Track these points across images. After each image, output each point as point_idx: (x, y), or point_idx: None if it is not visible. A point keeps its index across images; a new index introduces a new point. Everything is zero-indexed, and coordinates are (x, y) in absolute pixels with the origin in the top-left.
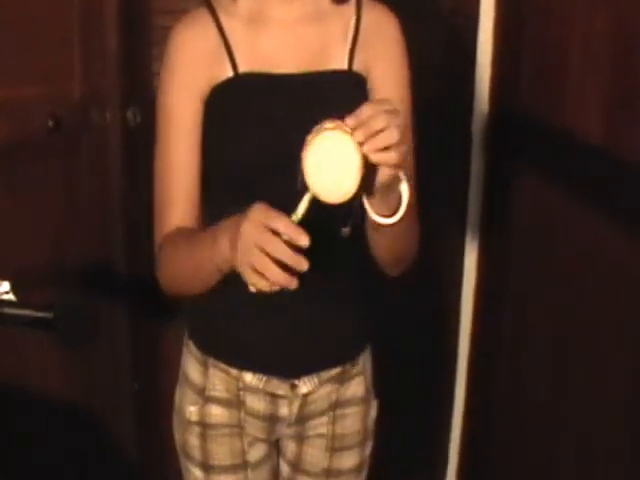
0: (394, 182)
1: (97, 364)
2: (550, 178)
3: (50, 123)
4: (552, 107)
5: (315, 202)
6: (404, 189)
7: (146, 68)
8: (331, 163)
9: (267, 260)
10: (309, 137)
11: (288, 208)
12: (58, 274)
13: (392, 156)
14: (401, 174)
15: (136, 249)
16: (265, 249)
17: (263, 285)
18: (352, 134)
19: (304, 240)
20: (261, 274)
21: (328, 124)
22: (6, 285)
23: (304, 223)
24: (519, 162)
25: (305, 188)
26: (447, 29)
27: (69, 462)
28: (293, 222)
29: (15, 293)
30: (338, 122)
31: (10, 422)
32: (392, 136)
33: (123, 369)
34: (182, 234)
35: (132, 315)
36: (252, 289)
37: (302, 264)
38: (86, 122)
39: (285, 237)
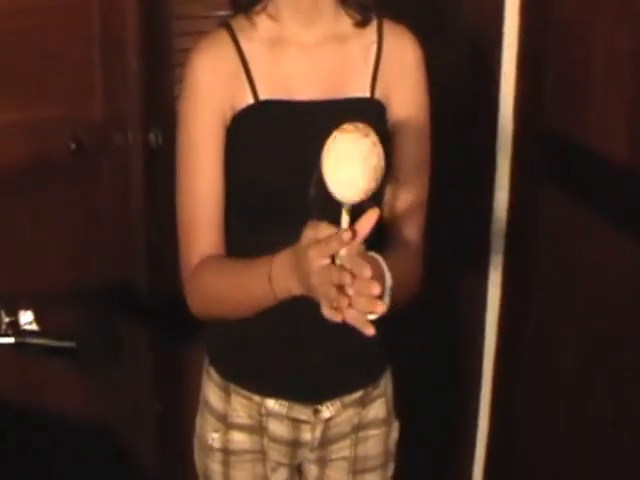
0: None
1: (119, 386)
2: (574, 197)
3: (72, 145)
4: (576, 126)
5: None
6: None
7: (167, 90)
8: (348, 162)
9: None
10: (330, 138)
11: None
12: (80, 296)
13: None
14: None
15: (158, 270)
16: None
17: (339, 318)
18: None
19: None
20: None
21: (347, 126)
22: (29, 315)
23: None
24: (543, 182)
25: (318, 189)
26: (470, 49)
27: None
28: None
29: (38, 322)
30: (357, 124)
31: (31, 443)
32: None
33: (145, 390)
34: (221, 264)
35: (154, 336)
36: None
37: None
38: (108, 144)
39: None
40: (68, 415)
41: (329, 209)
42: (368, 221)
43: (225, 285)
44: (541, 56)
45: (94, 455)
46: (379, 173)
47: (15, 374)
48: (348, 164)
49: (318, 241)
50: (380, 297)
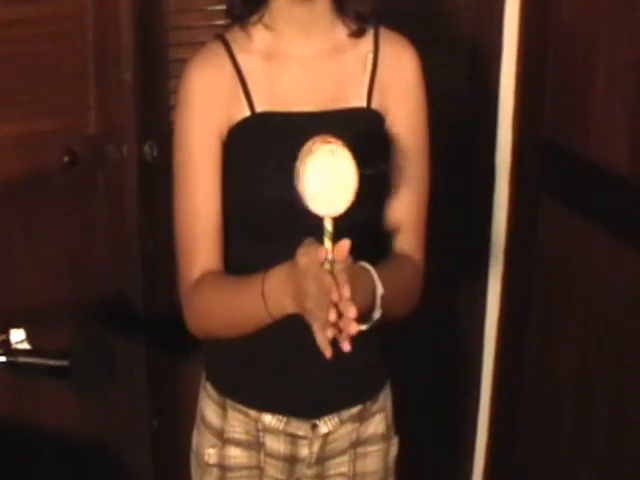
0: None
1: (114, 401)
2: (575, 208)
3: (65, 158)
4: (577, 138)
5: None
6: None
7: (163, 101)
8: (328, 177)
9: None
10: (304, 151)
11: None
12: (74, 311)
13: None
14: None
15: (154, 285)
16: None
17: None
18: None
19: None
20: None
21: (320, 140)
22: (21, 333)
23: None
24: (543, 193)
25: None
26: (470, 61)
27: None
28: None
29: (30, 340)
30: (326, 137)
31: (27, 460)
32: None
33: (141, 406)
34: (217, 282)
35: (150, 351)
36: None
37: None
38: (102, 157)
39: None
40: (64, 431)
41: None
42: (341, 251)
43: (221, 304)
44: (541, 67)
45: (90, 471)
46: (352, 186)
47: (9, 391)
48: (327, 183)
49: (309, 251)
50: (359, 319)
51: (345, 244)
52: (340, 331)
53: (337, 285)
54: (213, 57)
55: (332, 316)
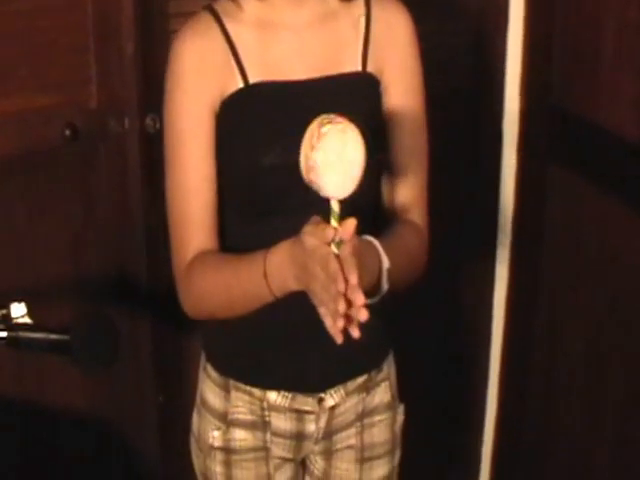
0: None
1: (120, 378)
2: (583, 177)
3: (67, 132)
4: (585, 104)
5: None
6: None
7: (164, 73)
8: (339, 158)
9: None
10: (312, 132)
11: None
12: (77, 287)
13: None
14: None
15: (157, 258)
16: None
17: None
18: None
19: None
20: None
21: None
22: (22, 307)
23: None
24: (551, 161)
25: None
26: (476, 26)
27: (92, 476)
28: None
29: (31, 315)
30: (333, 117)
31: (31, 436)
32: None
33: (146, 382)
34: (214, 261)
35: (155, 327)
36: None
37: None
38: (104, 130)
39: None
40: (68, 407)
41: None
42: (347, 231)
43: (219, 284)
44: (549, 32)
45: (96, 448)
46: (360, 166)
47: (13, 368)
48: (335, 163)
49: (316, 231)
50: (366, 294)
51: (352, 224)
52: (349, 318)
53: (344, 270)
54: (203, 28)
55: (341, 307)
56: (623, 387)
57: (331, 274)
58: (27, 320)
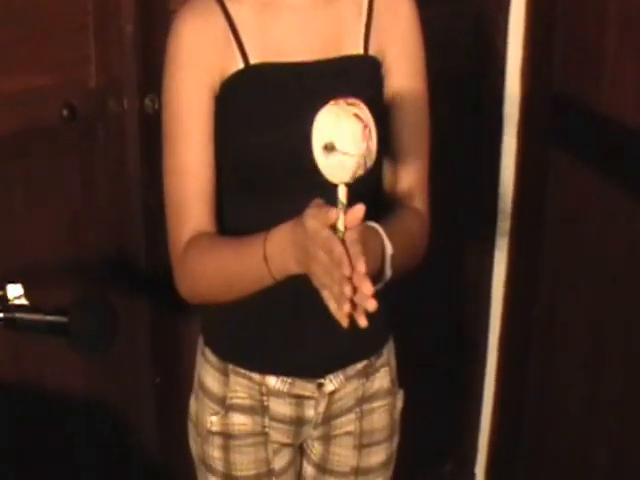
0: None
1: (117, 359)
2: (584, 161)
3: (65, 112)
4: (587, 89)
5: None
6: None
7: (164, 53)
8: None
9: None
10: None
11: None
12: (75, 268)
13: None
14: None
15: (156, 240)
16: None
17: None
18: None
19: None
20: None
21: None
22: (19, 288)
23: None
24: (552, 146)
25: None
26: (477, 9)
27: (89, 456)
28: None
29: (28, 296)
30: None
31: (29, 418)
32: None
33: (143, 363)
34: (212, 243)
35: (152, 308)
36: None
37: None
38: (102, 110)
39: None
40: (65, 389)
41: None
42: (355, 218)
43: (217, 267)
44: (550, 15)
45: (93, 428)
46: (369, 152)
47: (10, 349)
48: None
49: (318, 214)
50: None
51: (359, 210)
52: (353, 304)
53: (349, 256)
54: (203, 8)
55: (348, 291)
56: (623, 371)
57: (335, 258)
58: (24, 301)
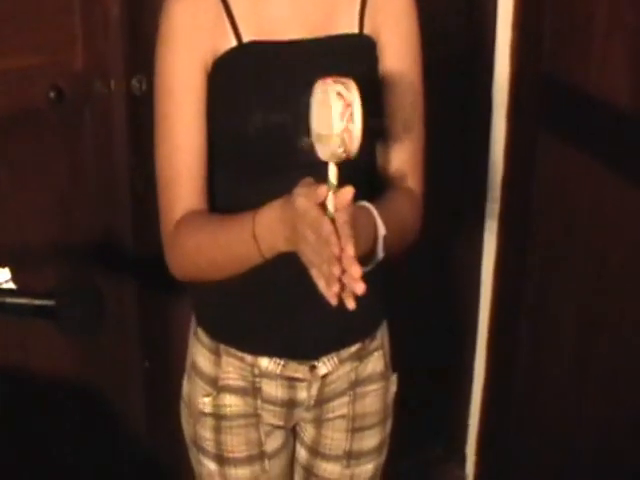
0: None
1: (105, 343)
2: (574, 142)
3: (51, 94)
4: (576, 71)
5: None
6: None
7: (150, 34)
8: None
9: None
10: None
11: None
12: (62, 252)
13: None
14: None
15: (144, 223)
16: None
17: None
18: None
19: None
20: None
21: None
22: (6, 272)
23: None
24: (541, 129)
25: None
26: None
27: (78, 442)
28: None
29: (15, 280)
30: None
31: (15, 403)
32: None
33: (132, 347)
34: (202, 221)
35: (141, 292)
36: None
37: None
38: (89, 92)
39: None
40: (53, 373)
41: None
42: (344, 199)
43: (207, 245)
44: None
45: (82, 413)
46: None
47: None
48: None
49: (308, 192)
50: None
51: (349, 192)
52: (343, 285)
53: (338, 237)
54: None
55: (336, 271)
56: (612, 351)
57: (324, 237)
58: (11, 285)
